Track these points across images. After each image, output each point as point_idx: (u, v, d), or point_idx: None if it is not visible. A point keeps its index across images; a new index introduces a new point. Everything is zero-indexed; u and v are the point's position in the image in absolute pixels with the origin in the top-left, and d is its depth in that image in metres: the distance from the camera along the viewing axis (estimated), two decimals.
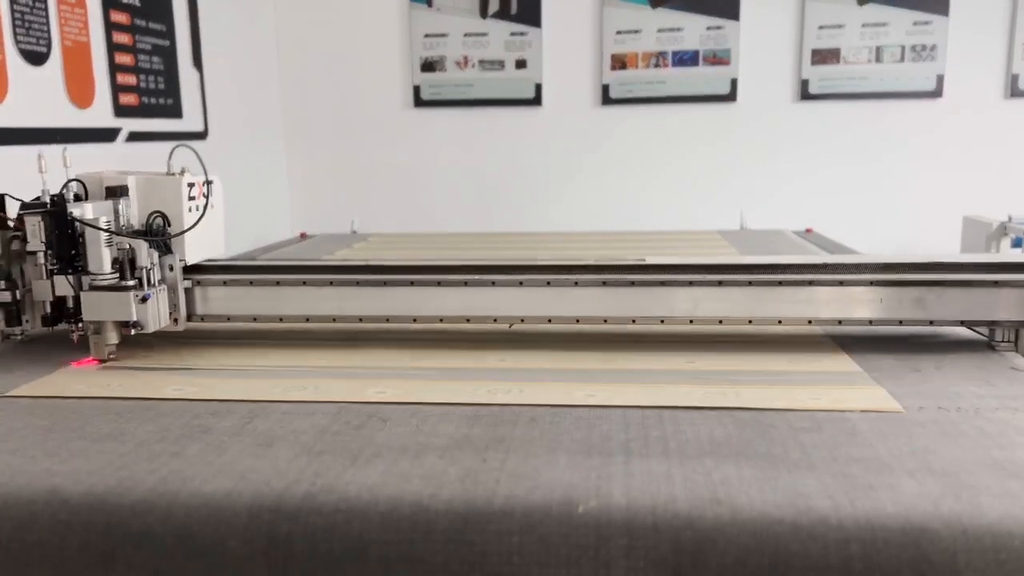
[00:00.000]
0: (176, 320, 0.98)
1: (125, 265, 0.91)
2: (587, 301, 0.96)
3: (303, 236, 2.21)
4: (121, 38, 1.99)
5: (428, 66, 2.88)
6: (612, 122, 2.87)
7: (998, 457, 0.63)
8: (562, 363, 0.90)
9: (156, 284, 0.94)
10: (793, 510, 0.55)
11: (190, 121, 2.32)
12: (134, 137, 2.03)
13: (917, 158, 2.79)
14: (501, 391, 0.80)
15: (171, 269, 0.96)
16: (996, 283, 0.93)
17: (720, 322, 0.95)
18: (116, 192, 0.96)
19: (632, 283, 0.95)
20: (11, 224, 0.94)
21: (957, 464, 0.62)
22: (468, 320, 0.98)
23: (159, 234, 0.95)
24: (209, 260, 1.02)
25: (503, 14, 2.83)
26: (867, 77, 2.74)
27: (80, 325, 0.95)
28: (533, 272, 0.97)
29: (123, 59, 1.99)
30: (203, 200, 0.99)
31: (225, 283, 1.00)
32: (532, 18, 2.82)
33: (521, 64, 2.85)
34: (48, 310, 0.95)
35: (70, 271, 0.93)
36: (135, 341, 0.97)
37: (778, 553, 0.53)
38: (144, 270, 0.92)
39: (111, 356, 0.94)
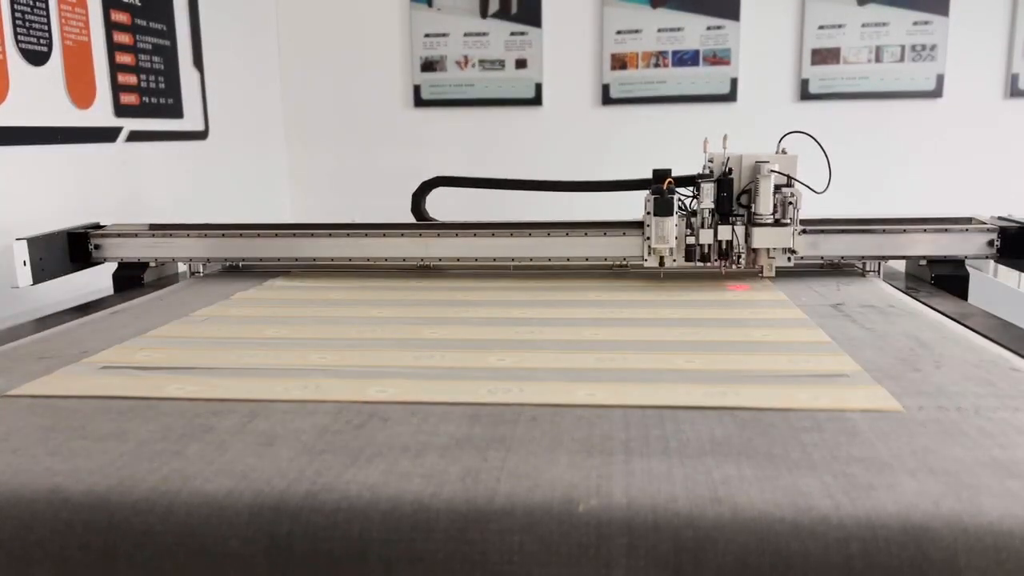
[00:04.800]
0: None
1: (783, 208, 1.28)
2: (587, 247, 1.40)
3: None
4: (122, 38, 1.99)
5: (428, 66, 2.88)
6: (612, 122, 2.87)
7: (999, 456, 0.63)
8: (562, 363, 0.90)
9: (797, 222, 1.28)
10: (794, 509, 0.55)
11: (191, 121, 2.32)
12: (135, 137, 2.03)
13: (917, 158, 2.79)
14: (502, 390, 0.81)
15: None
16: (864, 231, 1.37)
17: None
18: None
19: (624, 233, 1.39)
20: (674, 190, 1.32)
21: (958, 463, 0.62)
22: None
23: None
24: None
25: (503, 14, 2.83)
26: (867, 77, 2.74)
27: (735, 260, 1.30)
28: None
29: (124, 59, 1.99)
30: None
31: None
32: (532, 18, 2.82)
33: (521, 64, 2.85)
34: (705, 251, 1.31)
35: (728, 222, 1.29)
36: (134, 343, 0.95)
37: (779, 552, 0.53)
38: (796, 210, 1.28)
39: (765, 277, 1.33)
